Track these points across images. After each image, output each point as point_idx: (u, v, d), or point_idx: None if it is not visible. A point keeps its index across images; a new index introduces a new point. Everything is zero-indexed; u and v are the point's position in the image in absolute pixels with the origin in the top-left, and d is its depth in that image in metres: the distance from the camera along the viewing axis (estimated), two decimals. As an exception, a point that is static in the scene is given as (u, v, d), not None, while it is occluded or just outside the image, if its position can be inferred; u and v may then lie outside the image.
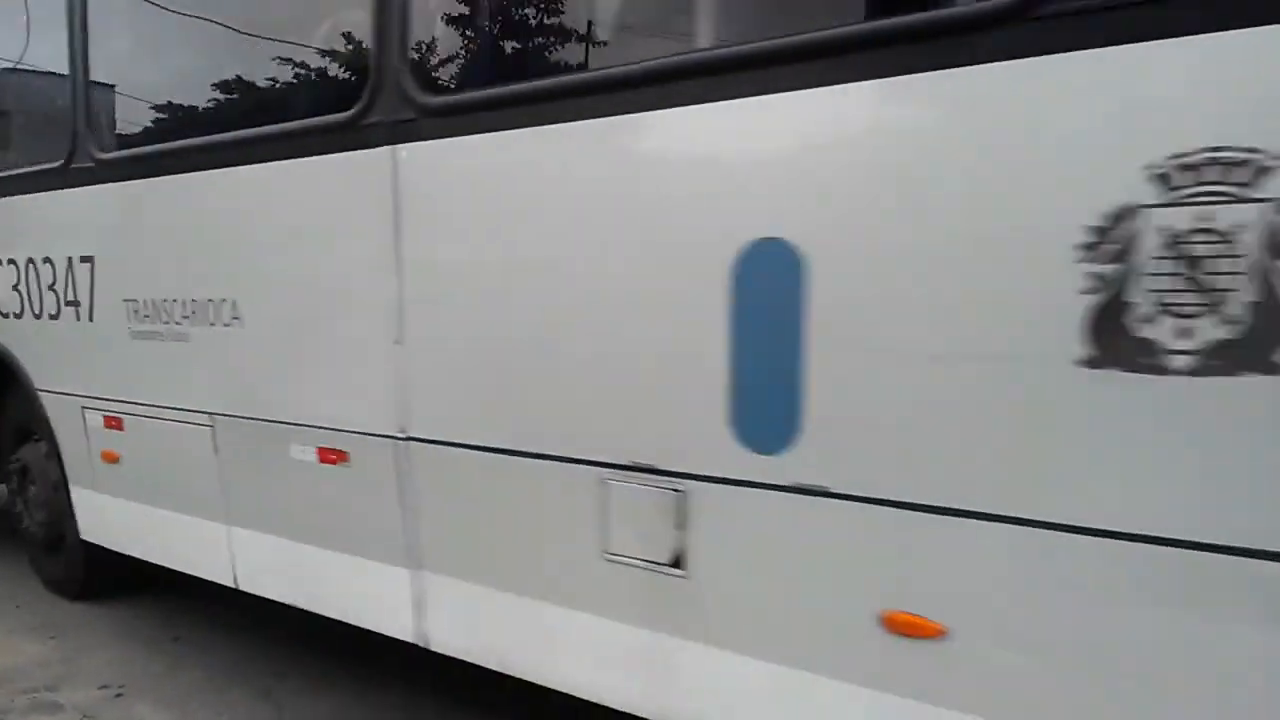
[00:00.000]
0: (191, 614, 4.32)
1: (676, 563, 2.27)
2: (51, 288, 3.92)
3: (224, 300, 3.16)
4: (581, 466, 2.38)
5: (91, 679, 3.72)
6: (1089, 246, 1.64)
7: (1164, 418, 1.62)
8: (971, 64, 1.73)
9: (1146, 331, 1.62)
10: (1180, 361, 1.60)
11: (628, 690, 2.42)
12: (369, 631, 3.08)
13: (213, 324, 3.21)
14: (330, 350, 2.90)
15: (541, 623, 2.56)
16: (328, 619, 3.22)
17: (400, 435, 2.77)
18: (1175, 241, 1.58)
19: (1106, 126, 1.62)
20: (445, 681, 3.44)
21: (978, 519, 1.82)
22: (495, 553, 2.64)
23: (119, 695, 3.60)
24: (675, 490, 2.23)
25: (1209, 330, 1.58)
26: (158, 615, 4.32)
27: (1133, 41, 1.59)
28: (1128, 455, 1.66)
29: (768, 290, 2.00)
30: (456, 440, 2.64)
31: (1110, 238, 1.63)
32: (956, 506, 1.84)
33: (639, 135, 2.20)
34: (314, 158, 2.82)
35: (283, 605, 3.38)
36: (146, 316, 3.47)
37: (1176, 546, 1.63)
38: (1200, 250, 1.56)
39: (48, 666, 3.85)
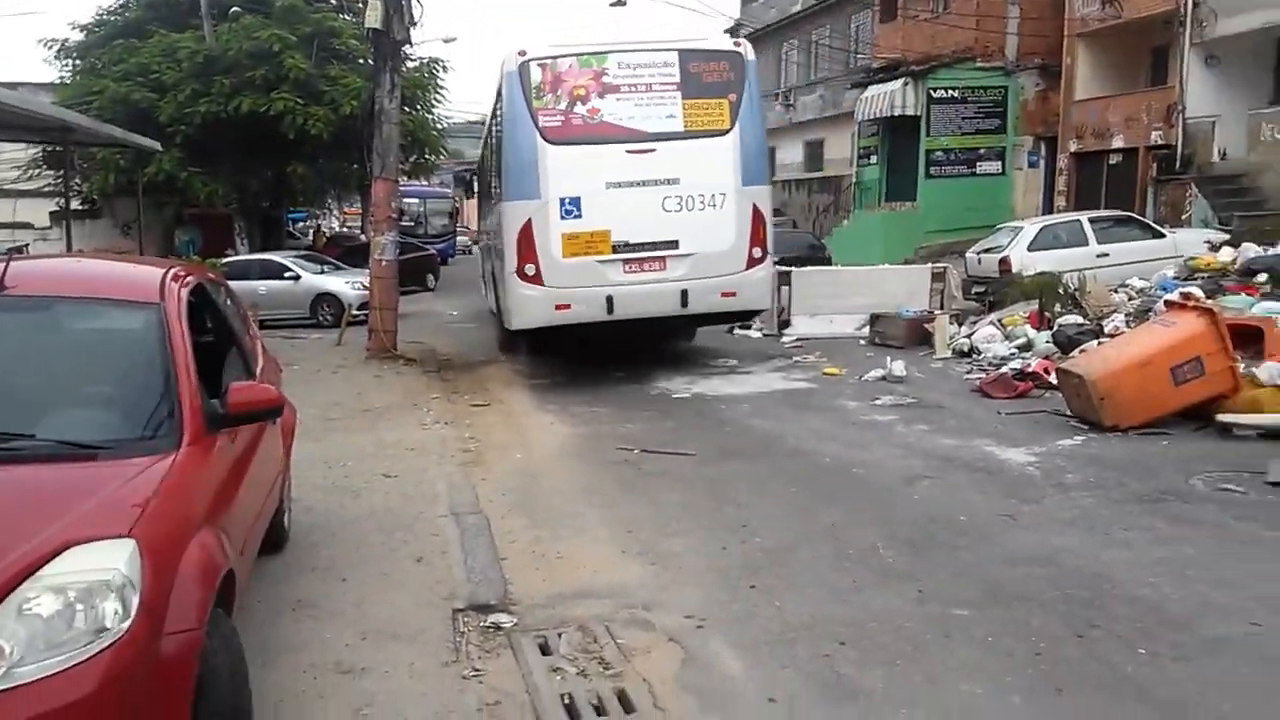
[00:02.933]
0: (768, 565, 4.57)
1: None
2: None
3: None
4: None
5: (679, 608, 4.10)
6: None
7: None
8: None
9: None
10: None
11: None
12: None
13: None
14: None
15: None
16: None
17: None
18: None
19: None
20: None
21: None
22: None
23: (699, 627, 3.90)
24: None
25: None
26: (737, 560, 4.63)
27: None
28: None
29: None
30: None
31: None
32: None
33: None
34: None
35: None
36: None
37: None
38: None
39: (645, 589, 4.33)
